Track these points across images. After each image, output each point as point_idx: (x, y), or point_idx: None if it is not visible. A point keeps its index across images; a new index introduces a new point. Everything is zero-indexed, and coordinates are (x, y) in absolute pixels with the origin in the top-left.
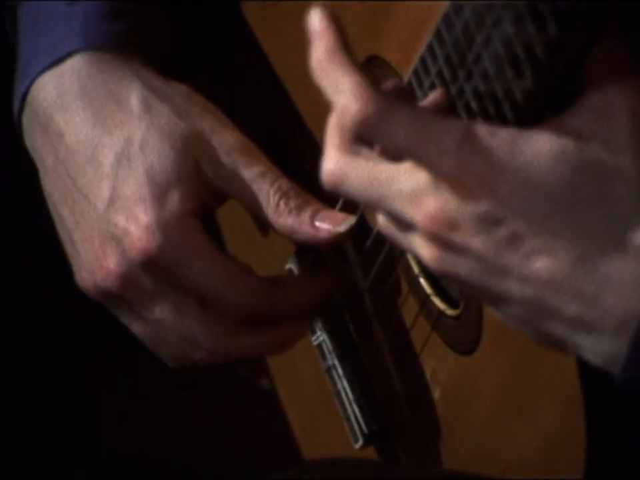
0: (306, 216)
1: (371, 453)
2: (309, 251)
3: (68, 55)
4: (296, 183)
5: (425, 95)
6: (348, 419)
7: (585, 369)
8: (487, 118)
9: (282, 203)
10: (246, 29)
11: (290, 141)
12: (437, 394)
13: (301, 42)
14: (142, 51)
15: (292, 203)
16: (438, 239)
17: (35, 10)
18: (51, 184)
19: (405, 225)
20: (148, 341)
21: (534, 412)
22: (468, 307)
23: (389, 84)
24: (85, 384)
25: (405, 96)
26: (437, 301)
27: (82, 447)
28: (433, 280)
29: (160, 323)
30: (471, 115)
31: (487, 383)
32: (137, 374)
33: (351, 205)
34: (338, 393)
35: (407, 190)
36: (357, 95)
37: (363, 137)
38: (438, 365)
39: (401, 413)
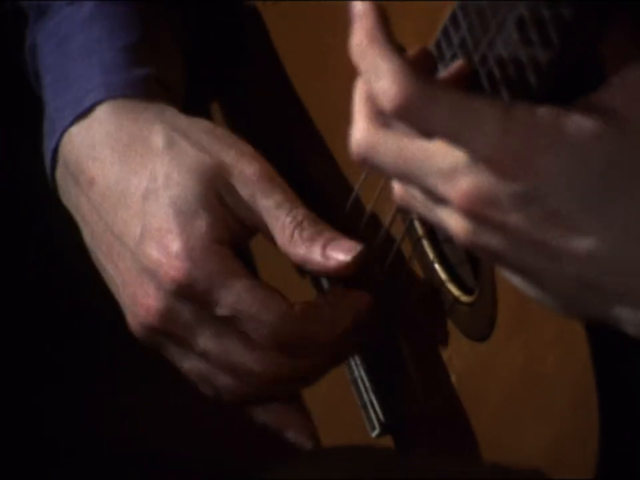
0: (317, 246)
1: (387, 442)
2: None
3: (92, 106)
4: (312, 211)
5: (447, 66)
6: (365, 406)
7: (598, 358)
8: (510, 86)
9: (296, 233)
10: (262, 31)
11: (299, 142)
12: (452, 379)
13: (301, 41)
14: (163, 92)
15: (305, 234)
16: (472, 215)
17: (55, 69)
18: (89, 234)
19: (436, 199)
20: (200, 377)
21: (545, 403)
22: (482, 293)
23: (414, 51)
24: (78, 377)
25: (431, 61)
26: (452, 288)
27: (75, 440)
28: (448, 266)
29: (206, 354)
30: (493, 83)
31: (500, 371)
32: (132, 366)
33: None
34: (355, 381)
35: (442, 167)
36: (396, 79)
37: (399, 121)
38: (453, 352)
39: (417, 401)
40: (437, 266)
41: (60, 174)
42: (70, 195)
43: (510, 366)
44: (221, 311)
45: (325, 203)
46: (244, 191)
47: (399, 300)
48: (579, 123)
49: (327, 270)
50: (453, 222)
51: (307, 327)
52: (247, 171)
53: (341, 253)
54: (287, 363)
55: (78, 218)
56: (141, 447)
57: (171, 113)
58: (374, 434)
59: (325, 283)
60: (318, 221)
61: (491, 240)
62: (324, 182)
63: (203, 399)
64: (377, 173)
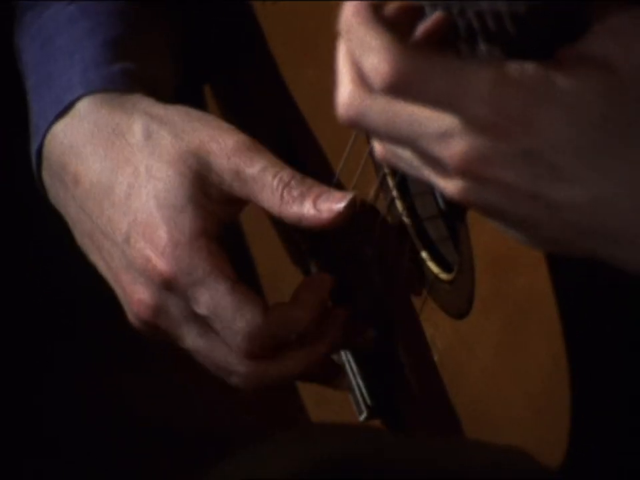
0: (309, 201)
1: (374, 423)
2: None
3: (71, 103)
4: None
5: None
6: (353, 390)
7: (571, 329)
8: (489, 37)
9: (285, 193)
10: (255, 28)
11: (294, 139)
12: (435, 359)
13: (301, 41)
14: (143, 86)
15: (294, 192)
16: (469, 175)
17: (38, 70)
18: (79, 233)
19: (428, 161)
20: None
21: (522, 371)
22: (462, 270)
23: (394, 6)
24: (72, 357)
25: (410, 14)
26: (432, 265)
27: (69, 421)
28: (429, 243)
29: (195, 350)
30: (472, 34)
31: (479, 346)
32: (124, 346)
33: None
34: (343, 365)
35: (436, 130)
36: (387, 56)
37: (392, 96)
38: (435, 330)
39: (404, 383)
40: (418, 242)
41: (46, 174)
42: (57, 195)
43: (488, 341)
44: (199, 309)
45: None
46: (226, 165)
47: (384, 283)
48: (571, 76)
49: (321, 222)
50: (447, 182)
51: (277, 333)
52: (225, 145)
53: (332, 203)
54: (266, 365)
55: (67, 218)
56: (133, 421)
57: (148, 103)
58: (362, 417)
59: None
60: (305, 179)
61: (489, 197)
62: (310, 160)
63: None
64: (363, 133)
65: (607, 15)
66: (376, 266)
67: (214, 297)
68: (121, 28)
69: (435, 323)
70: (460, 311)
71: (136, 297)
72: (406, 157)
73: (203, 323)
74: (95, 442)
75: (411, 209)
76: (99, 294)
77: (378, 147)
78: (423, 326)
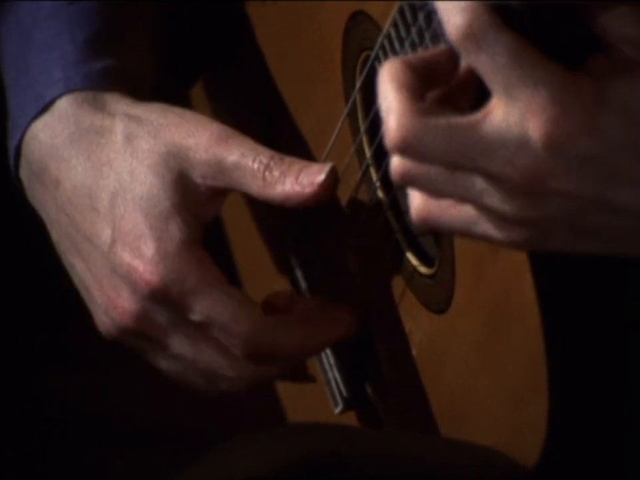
0: (290, 179)
1: (351, 418)
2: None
3: (52, 101)
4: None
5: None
6: (328, 382)
7: (550, 327)
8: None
9: (267, 175)
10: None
11: (279, 131)
12: (413, 353)
13: (302, 40)
14: (123, 83)
15: (276, 172)
16: (531, 190)
17: (17, 66)
18: (57, 234)
19: (484, 180)
20: (175, 376)
21: (500, 367)
22: (442, 265)
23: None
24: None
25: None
26: (412, 258)
27: (61, 418)
28: (410, 237)
29: (180, 357)
30: None
31: (457, 341)
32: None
33: None
34: (319, 358)
35: (499, 148)
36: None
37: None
38: (413, 324)
39: (381, 375)
40: (399, 236)
41: (24, 173)
42: (35, 195)
43: (467, 336)
44: (194, 317)
45: None
46: (206, 158)
47: (363, 274)
48: (620, 79)
49: (306, 198)
50: (505, 202)
51: (278, 340)
52: (202, 138)
53: (313, 176)
54: (260, 369)
55: (44, 217)
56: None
57: (127, 103)
58: (337, 410)
59: (302, 283)
60: (284, 158)
61: (549, 208)
62: (296, 153)
63: None
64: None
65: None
66: (355, 256)
67: (209, 304)
68: (101, 23)
69: (414, 317)
70: (440, 306)
71: (119, 302)
72: (442, 179)
73: (192, 329)
74: (83, 439)
75: (393, 201)
76: None
77: (397, 165)
78: (401, 319)
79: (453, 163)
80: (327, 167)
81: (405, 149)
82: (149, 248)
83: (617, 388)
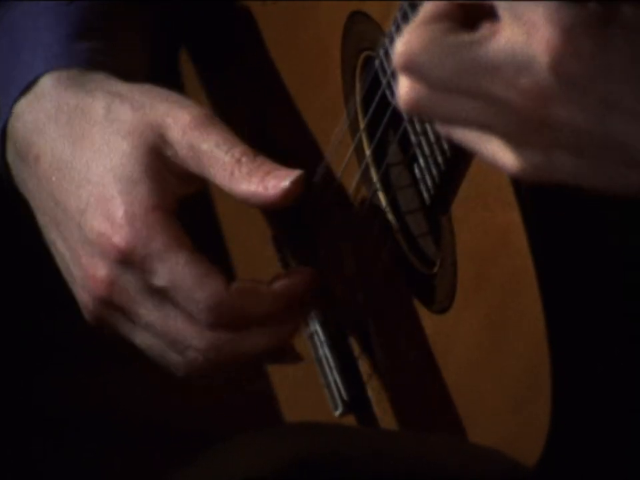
0: (256, 179)
1: (351, 421)
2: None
3: (34, 80)
4: (252, 147)
5: None
6: (328, 385)
7: (552, 327)
8: None
9: (235, 170)
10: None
11: (274, 133)
12: (413, 354)
13: (300, 40)
14: (107, 66)
15: (244, 169)
16: (534, 112)
17: (3, 52)
18: (39, 211)
19: (493, 103)
20: (152, 352)
21: (502, 367)
22: (443, 265)
23: None
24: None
25: None
26: (413, 259)
27: (61, 418)
28: (410, 238)
29: (150, 326)
30: None
31: (459, 341)
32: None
33: None
34: (319, 360)
35: (500, 67)
36: None
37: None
38: (414, 324)
39: (381, 377)
40: (398, 236)
41: (9, 154)
42: (19, 174)
43: (468, 336)
44: (158, 281)
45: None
46: (182, 140)
47: (363, 276)
48: (626, 9)
49: (269, 200)
50: (507, 125)
51: (242, 306)
52: (181, 120)
53: (278, 180)
54: (227, 338)
55: (28, 197)
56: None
57: (110, 82)
58: (337, 413)
59: (293, 263)
60: (257, 156)
61: (554, 134)
62: (294, 152)
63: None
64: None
65: None
66: (354, 257)
67: (173, 268)
68: (89, 11)
69: (414, 318)
70: (441, 306)
71: (91, 271)
72: (450, 103)
73: (159, 296)
74: (83, 438)
75: (393, 200)
76: None
77: (407, 89)
78: (402, 320)
79: (454, 84)
80: (293, 174)
81: (407, 67)
82: (117, 211)
83: (619, 388)
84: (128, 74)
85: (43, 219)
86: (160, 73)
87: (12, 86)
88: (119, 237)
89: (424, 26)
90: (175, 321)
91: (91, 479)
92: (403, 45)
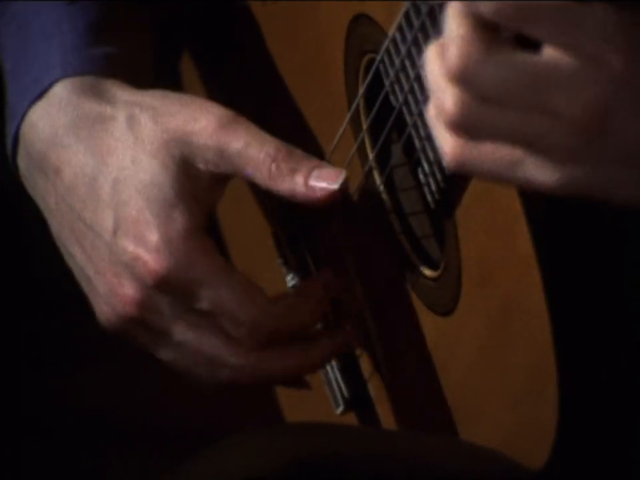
0: (300, 177)
1: (351, 419)
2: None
3: (50, 86)
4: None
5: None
6: (329, 383)
7: (557, 330)
8: None
9: (274, 168)
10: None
11: (274, 110)
12: (417, 355)
13: (302, 42)
14: (123, 70)
15: (283, 166)
16: (593, 125)
17: (15, 54)
18: (57, 223)
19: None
20: (176, 366)
21: (506, 370)
22: (447, 267)
23: None
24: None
25: None
26: (417, 261)
27: (60, 418)
28: (414, 240)
29: (182, 345)
30: None
31: (463, 344)
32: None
33: None
34: None
35: (561, 82)
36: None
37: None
38: (418, 326)
39: (383, 376)
40: (402, 239)
41: (22, 161)
42: (35, 184)
43: (472, 339)
44: (200, 305)
45: None
46: (210, 144)
47: (365, 276)
48: None
49: (315, 200)
50: (563, 139)
51: (285, 325)
52: (206, 124)
53: (324, 182)
54: (264, 357)
55: (43, 206)
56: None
57: (127, 90)
58: (338, 411)
59: (293, 264)
60: (293, 152)
61: (608, 147)
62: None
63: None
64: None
65: None
66: (358, 258)
67: (217, 292)
68: (100, 12)
69: (418, 320)
70: (445, 309)
71: (121, 291)
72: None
73: (199, 317)
74: (81, 438)
75: (396, 203)
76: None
77: (456, 96)
78: (405, 321)
79: (515, 99)
80: (341, 176)
81: (466, 79)
82: (152, 235)
83: (625, 391)
84: (138, 78)
85: (61, 231)
86: (161, 74)
87: (26, 91)
88: (155, 263)
89: (477, 36)
90: (212, 340)
91: (89, 479)
92: (459, 56)
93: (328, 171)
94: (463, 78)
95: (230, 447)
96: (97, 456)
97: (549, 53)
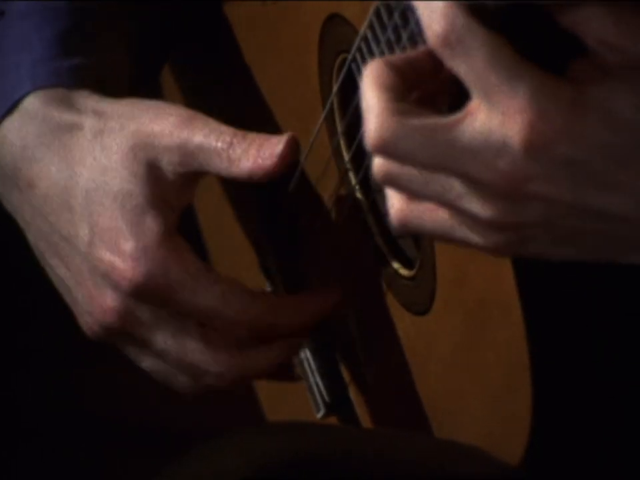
0: (252, 154)
1: (333, 421)
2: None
3: (20, 99)
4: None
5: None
6: (310, 388)
7: (532, 326)
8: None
9: (231, 153)
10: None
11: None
12: (395, 355)
13: (280, 43)
14: (93, 80)
15: (238, 150)
16: (510, 194)
17: None
18: (33, 236)
19: (465, 184)
20: (159, 375)
21: (482, 368)
22: (423, 267)
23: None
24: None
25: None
26: (393, 261)
27: (56, 418)
28: (390, 239)
29: (165, 353)
30: None
31: (440, 342)
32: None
33: None
34: (301, 362)
35: (479, 153)
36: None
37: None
38: (395, 326)
39: (363, 378)
40: (378, 239)
41: None
42: (9, 198)
43: (449, 337)
44: (180, 308)
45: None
46: (171, 142)
47: (343, 278)
48: (601, 84)
49: (268, 170)
50: (483, 206)
51: (269, 319)
52: (167, 122)
53: (272, 148)
54: (246, 363)
55: (19, 219)
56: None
57: (95, 99)
58: (319, 415)
59: (280, 286)
60: (246, 134)
61: (526, 213)
62: None
63: None
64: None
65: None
66: (334, 259)
67: (195, 294)
68: (70, 22)
69: (395, 319)
70: (421, 308)
71: (101, 301)
72: (420, 179)
73: (179, 323)
74: (75, 438)
75: (372, 204)
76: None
77: (379, 165)
78: (382, 322)
79: (431, 165)
80: (284, 137)
81: (384, 149)
82: (127, 243)
83: (600, 386)
84: (112, 87)
85: (38, 244)
86: (141, 83)
87: None
88: (132, 271)
89: (391, 106)
90: (192, 347)
91: (85, 478)
92: (374, 130)
93: (272, 138)
94: (380, 149)
95: (227, 446)
96: (94, 457)
97: (461, 120)
